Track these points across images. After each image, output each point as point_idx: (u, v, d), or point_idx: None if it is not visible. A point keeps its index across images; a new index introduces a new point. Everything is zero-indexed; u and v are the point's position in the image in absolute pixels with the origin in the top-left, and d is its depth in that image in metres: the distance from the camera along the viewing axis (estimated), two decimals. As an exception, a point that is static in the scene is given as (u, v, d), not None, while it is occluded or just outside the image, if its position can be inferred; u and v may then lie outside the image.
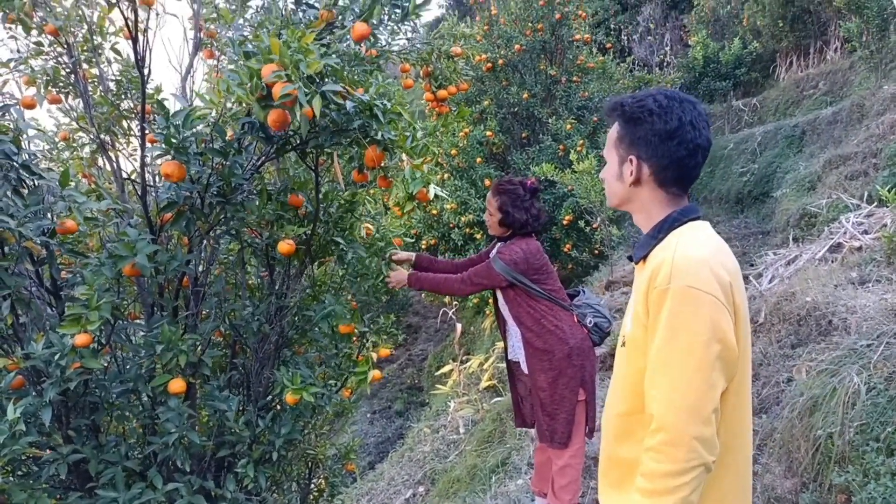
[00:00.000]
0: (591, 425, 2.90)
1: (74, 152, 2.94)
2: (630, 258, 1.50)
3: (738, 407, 1.34)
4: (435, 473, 4.93)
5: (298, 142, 2.28)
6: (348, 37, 2.26)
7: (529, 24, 8.60)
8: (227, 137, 2.14)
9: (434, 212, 8.49)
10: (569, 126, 8.23)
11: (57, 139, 2.90)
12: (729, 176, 9.28)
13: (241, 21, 2.73)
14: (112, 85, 2.83)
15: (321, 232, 2.65)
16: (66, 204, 2.11)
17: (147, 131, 2.47)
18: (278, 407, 2.67)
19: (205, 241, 2.50)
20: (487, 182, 8.27)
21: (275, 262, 2.74)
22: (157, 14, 2.61)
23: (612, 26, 14.79)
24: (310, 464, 3.24)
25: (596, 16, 13.34)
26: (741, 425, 1.36)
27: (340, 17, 2.34)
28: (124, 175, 2.79)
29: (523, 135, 8.95)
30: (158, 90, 2.81)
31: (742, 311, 1.31)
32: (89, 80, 2.76)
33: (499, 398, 5.57)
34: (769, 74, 12.22)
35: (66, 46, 2.59)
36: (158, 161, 2.10)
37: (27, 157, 2.06)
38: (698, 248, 1.30)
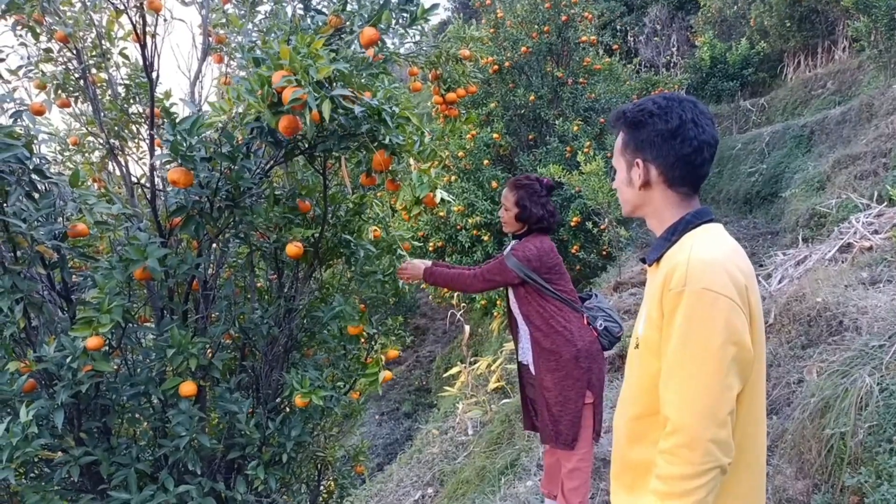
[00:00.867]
0: (598, 428, 2.89)
1: (85, 156, 2.96)
2: (643, 260, 1.50)
3: (753, 409, 1.33)
4: (444, 475, 4.93)
5: (307, 146, 2.29)
6: (357, 41, 2.27)
7: (535, 27, 8.60)
8: (235, 142, 2.15)
9: (441, 214, 8.49)
10: (575, 128, 8.22)
11: (68, 142, 2.93)
12: (737, 176, 9.24)
13: (249, 26, 2.75)
14: (121, 89, 2.85)
15: (329, 235, 2.66)
16: (76, 206, 2.13)
17: (156, 136, 2.49)
18: (288, 409, 2.68)
19: (214, 245, 2.52)
20: (494, 184, 8.28)
21: (283, 264, 2.75)
22: (165, 20, 2.63)
23: (618, 28, 14.77)
24: (319, 465, 3.25)
25: (602, 17, 13.32)
26: (755, 427, 1.35)
27: (349, 23, 2.35)
28: (134, 179, 2.81)
29: (530, 136, 8.95)
30: (168, 95, 2.84)
31: (757, 312, 1.31)
32: (98, 85, 2.78)
33: (507, 400, 5.56)
34: (777, 74, 12.16)
35: (75, 52, 2.62)
36: (167, 167, 2.12)
37: (39, 161, 2.08)
38: (714, 250, 1.30)
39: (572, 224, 7.88)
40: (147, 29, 2.38)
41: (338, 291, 3.00)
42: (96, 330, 1.96)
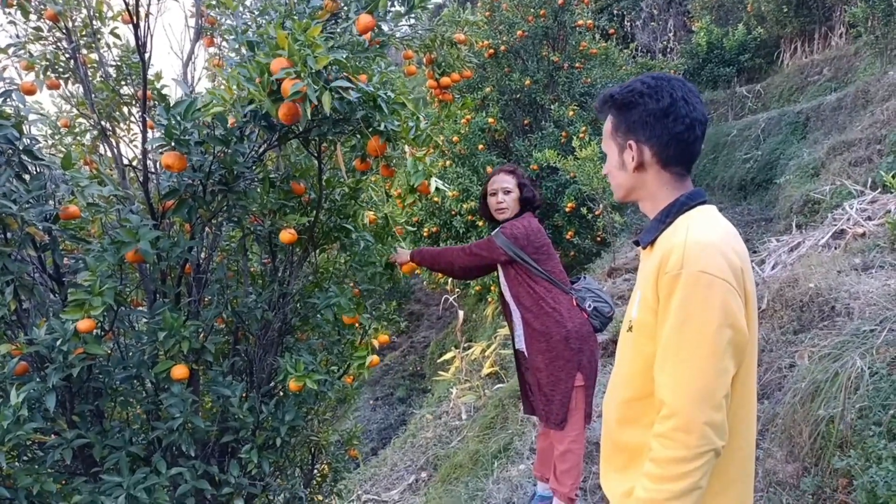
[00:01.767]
0: (590, 411, 2.91)
1: (76, 138, 2.93)
2: (636, 243, 1.50)
3: (745, 392, 1.34)
4: (437, 459, 4.96)
5: (301, 130, 2.27)
6: (352, 26, 2.25)
7: (531, 10, 8.53)
8: (228, 125, 2.13)
9: (436, 199, 8.46)
10: (571, 113, 8.18)
11: (59, 125, 2.90)
12: (732, 163, 9.24)
13: (241, 9, 2.71)
14: (112, 70, 2.81)
15: (324, 219, 2.64)
16: (68, 188, 2.11)
17: (147, 118, 2.46)
18: (281, 393, 2.68)
19: (206, 229, 2.50)
20: (489, 169, 8.24)
21: (277, 249, 2.74)
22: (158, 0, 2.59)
23: (614, 12, 14.66)
24: (313, 449, 3.26)
25: (599, 1, 13.23)
26: (747, 410, 1.36)
27: (345, 8, 2.32)
28: (125, 162, 2.78)
29: (525, 121, 8.91)
30: (159, 76, 2.80)
31: (751, 295, 1.31)
32: (89, 66, 2.75)
33: (501, 385, 5.59)
34: (773, 60, 12.12)
35: (65, 31, 2.58)
36: (160, 150, 2.10)
37: (29, 142, 2.06)
38: (710, 232, 1.30)
39: (567, 210, 7.87)
40: (139, 9, 2.35)
41: (333, 277, 2.99)
42: (87, 312, 1.95)
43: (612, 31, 11.11)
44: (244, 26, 2.28)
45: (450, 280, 8.66)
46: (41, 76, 2.66)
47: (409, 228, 8.22)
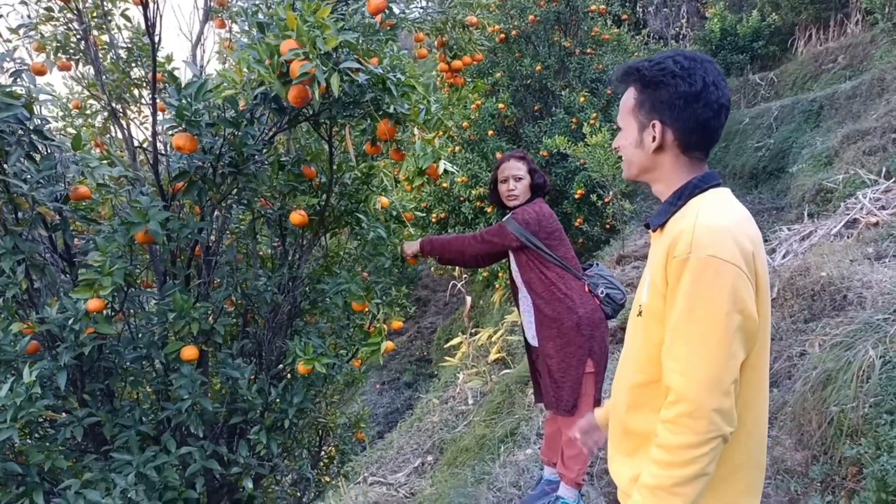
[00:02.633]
0: (599, 397, 2.91)
1: (87, 120, 2.93)
2: (647, 225, 1.47)
3: (755, 379, 1.32)
4: (443, 443, 4.99)
5: (311, 113, 2.26)
6: (363, 8, 2.23)
7: (544, -6, 8.45)
8: (239, 108, 2.12)
9: (444, 185, 8.44)
10: (582, 99, 8.12)
11: (70, 107, 2.90)
12: (744, 151, 9.15)
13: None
14: (122, 52, 2.81)
15: (335, 203, 2.64)
16: (78, 169, 2.11)
17: (158, 99, 2.46)
18: (290, 376, 2.69)
19: (216, 211, 2.50)
20: (499, 155, 8.21)
21: (287, 232, 2.74)
22: (168, -21, 2.57)
23: (627, -3, 14.50)
24: (320, 432, 3.28)
25: (611, -14, 13.06)
26: (757, 397, 1.34)
27: (356, -13, 2.30)
28: (136, 144, 2.78)
29: (536, 107, 8.85)
30: (169, 59, 2.79)
31: (763, 281, 1.28)
32: (100, 47, 2.74)
33: (507, 370, 5.60)
34: (787, 48, 11.95)
35: (76, 12, 2.57)
36: (170, 132, 2.10)
37: (39, 122, 2.06)
38: (721, 216, 1.27)
39: (576, 196, 7.83)
40: (148, -11, 2.33)
41: (343, 262, 2.99)
42: (97, 292, 1.96)
43: (624, 16, 10.97)
44: (254, 7, 2.26)
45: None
46: (52, 57, 2.65)
47: (419, 214, 8.22)
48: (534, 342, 2.93)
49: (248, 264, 2.82)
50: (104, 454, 2.27)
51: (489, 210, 8.25)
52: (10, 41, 2.53)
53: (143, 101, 2.94)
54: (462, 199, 8.33)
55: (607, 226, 8.10)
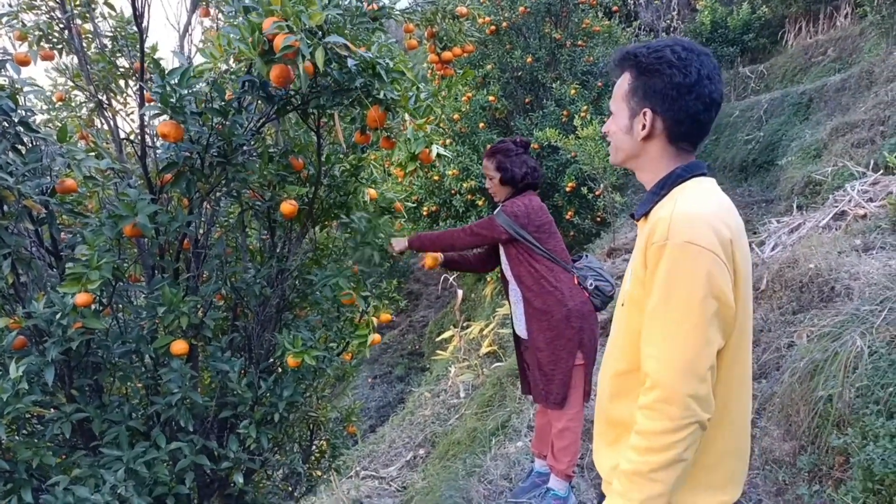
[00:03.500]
0: (588, 389, 2.92)
1: (72, 112, 2.89)
2: (632, 215, 1.48)
3: (736, 368, 1.32)
4: (435, 436, 4.99)
5: (299, 101, 2.24)
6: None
7: (534, -14, 8.42)
8: (226, 97, 2.10)
9: (436, 178, 8.42)
10: (573, 91, 8.11)
11: (53, 99, 2.86)
12: (733, 144, 9.18)
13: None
14: (107, 41, 2.77)
15: (323, 195, 2.62)
16: (65, 161, 2.08)
17: (146, 90, 2.43)
18: (280, 369, 2.68)
19: (205, 203, 2.48)
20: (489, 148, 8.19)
21: (276, 225, 2.72)
22: (154, -31, 2.54)
23: (618, -11, 14.47)
24: (311, 426, 3.27)
25: (602, -22, 13.03)
26: (739, 387, 1.34)
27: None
28: (122, 135, 2.75)
29: (526, 100, 8.83)
30: (155, 48, 2.76)
31: (742, 269, 1.28)
32: (84, 36, 2.70)
33: (499, 363, 5.61)
34: (777, 40, 11.99)
35: (58, 0, 2.53)
36: (156, 121, 2.07)
37: (25, 113, 2.03)
38: (699, 204, 1.28)
39: (567, 190, 7.84)
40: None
41: (332, 255, 2.98)
42: (85, 286, 1.93)
43: (615, 8, 10.96)
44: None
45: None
46: (34, 46, 2.61)
47: (409, 204, 8.20)
48: (523, 334, 2.93)
49: (237, 258, 2.80)
50: (93, 450, 2.25)
51: (480, 203, 8.24)
52: (-8, 31, 2.49)
53: (129, 91, 2.90)
54: (453, 192, 8.31)
55: (598, 218, 8.12)
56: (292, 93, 2.18)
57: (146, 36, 2.38)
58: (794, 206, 5.88)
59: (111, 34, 2.77)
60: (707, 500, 1.34)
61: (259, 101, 2.24)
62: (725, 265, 1.23)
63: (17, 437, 2.26)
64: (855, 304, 3.09)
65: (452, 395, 5.64)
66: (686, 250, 1.21)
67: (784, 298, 3.74)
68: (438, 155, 2.24)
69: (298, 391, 2.56)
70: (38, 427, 2.27)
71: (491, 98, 8.43)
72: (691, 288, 1.21)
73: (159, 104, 1.95)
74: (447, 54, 3.11)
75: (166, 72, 1.96)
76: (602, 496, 1.50)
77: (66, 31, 2.59)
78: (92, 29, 2.70)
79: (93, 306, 2.04)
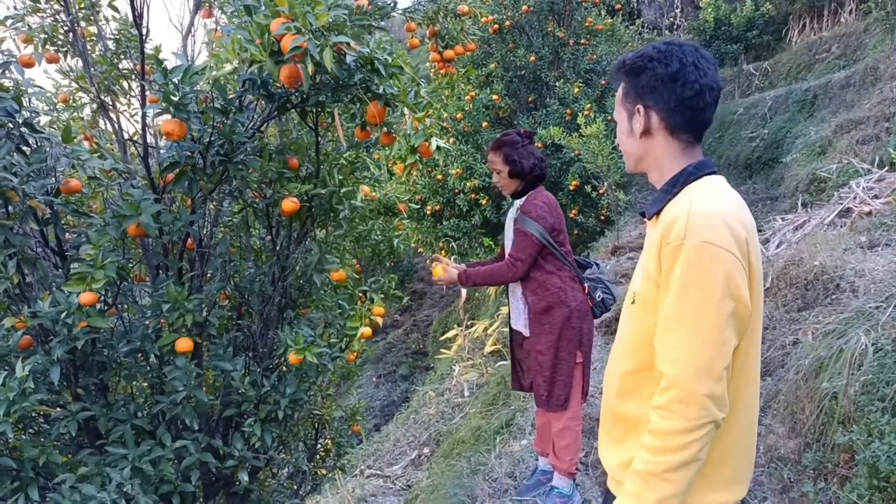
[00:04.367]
0: (587, 387, 2.91)
1: (74, 113, 2.91)
2: (642, 214, 1.48)
3: (746, 365, 1.32)
4: (440, 435, 4.99)
5: (299, 99, 2.24)
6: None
7: (537, -15, 8.41)
8: (227, 95, 2.11)
9: (439, 177, 8.43)
10: (576, 90, 8.10)
11: (56, 101, 2.87)
12: (738, 141, 9.16)
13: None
14: (111, 44, 2.78)
15: (324, 192, 2.63)
16: (69, 162, 2.10)
17: (147, 91, 2.44)
18: (283, 367, 2.69)
19: (208, 203, 2.49)
20: (493, 147, 8.18)
21: (278, 224, 2.73)
22: (156, -30, 2.55)
23: (621, -12, 14.45)
24: (316, 425, 3.28)
25: (605, -23, 13.02)
26: (748, 384, 1.34)
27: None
28: (126, 136, 2.76)
29: (530, 98, 8.83)
30: (158, 50, 2.77)
31: (756, 267, 1.28)
32: (88, 39, 2.72)
33: (503, 362, 5.60)
34: (781, 37, 11.95)
35: (63, 3, 2.55)
36: (159, 120, 2.08)
37: (29, 115, 2.04)
38: (715, 202, 1.27)
39: (571, 188, 7.83)
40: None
41: (325, 244, 2.98)
42: (90, 286, 1.95)
43: (618, 6, 10.94)
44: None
45: (452, 259, 8.66)
46: (39, 49, 2.63)
47: (412, 206, 8.21)
48: (524, 331, 2.91)
49: (241, 257, 2.81)
50: (99, 448, 2.26)
51: (484, 202, 8.24)
52: (-3, 33, 2.51)
53: (132, 93, 2.91)
54: (457, 191, 8.31)
55: (602, 217, 8.11)
56: (293, 91, 2.18)
57: (148, 38, 2.39)
58: (799, 204, 5.86)
59: (115, 36, 2.78)
60: (714, 498, 1.34)
61: (260, 100, 2.24)
62: (742, 264, 1.23)
63: (23, 436, 2.27)
64: (860, 301, 3.08)
65: (457, 394, 5.64)
66: (703, 251, 1.21)
67: (789, 296, 3.73)
68: (438, 147, 2.24)
69: (302, 389, 2.57)
70: (45, 426, 2.28)
71: (494, 97, 8.43)
72: (709, 288, 1.20)
73: (162, 102, 1.96)
74: (449, 53, 3.11)
75: (168, 70, 1.97)
76: (607, 492, 1.50)
77: (71, 34, 2.60)
78: (95, 31, 2.71)
79: (98, 305, 2.05)
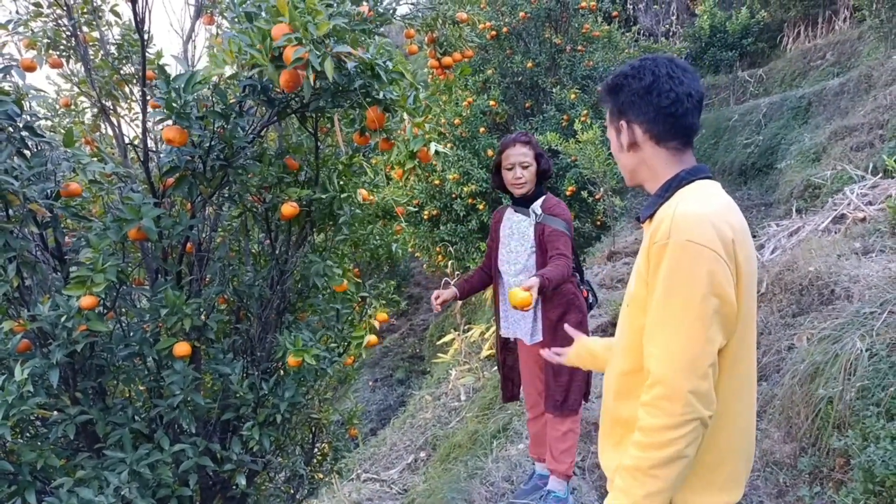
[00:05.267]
0: (588, 389, 2.93)
1: (76, 117, 2.92)
2: (638, 218, 1.51)
3: (739, 367, 1.34)
4: (436, 439, 4.99)
5: (299, 105, 2.26)
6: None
7: (534, -9, 8.46)
8: (227, 100, 2.12)
9: (436, 182, 8.45)
10: (573, 96, 8.14)
11: (58, 106, 2.88)
12: (733, 147, 9.20)
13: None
14: (113, 49, 2.80)
15: (323, 196, 2.64)
16: (70, 165, 2.10)
17: (148, 96, 2.45)
18: (281, 371, 2.69)
19: (208, 207, 2.50)
20: (490, 152, 8.21)
21: (276, 227, 2.74)
22: (158, -25, 2.57)
23: (617, -6, 14.51)
24: (313, 429, 3.29)
25: (601, -17, 13.08)
26: (742, 386, 1.35)
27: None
28: (126, 140, 2.77)
29: (527, 104, 8.86)
30: (159, 55, 2.78)
31: (745, 268, 1.30)
32: (90, 44, 2.73)
33: (500, 367, 5.60)
34: (776, 45, 12.03)
35: (65, 8, 2.56)
36: (160, 126, 2.09)
37: (30, 118, 2.05)
38: (702, 204, 1.30)
39: (567, 193, 7.86)
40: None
41: (326, 250, 2.98)
42: (90, 289, 1.95)
43: (614, 13, 11.00)
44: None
45: (449, 263, 8.67)
46: (42, 54, 2.64)
47: (410, 209, 8.23)
48: (527, 338, 2.87)
49: (239, 261, 2.82)
50: (97, 452, 2.26)
51: (481, 207, 8.26)
52: (-2, 37, 2.51)
53: (133, 97, 2.92)
54: (454, 196, 8.33)
55: (598, 222, 8.13)
56: (293, 97, 2.20)
57: (149, 43, 2.40)
58: (794, 210, 5.89)
59: (117, 41, 2.79)
60: (708, 500, 1.35)
61: (260, 105, 2.26)
62: (727, 263, 1.25)
63: (21, 440, 2.27)
64: (855, 307, 3.10)
65: (453, 398, 5.65)
66: (687, 248, 1.23)
67: (784, 301, 3.75)
68: (436, 152, 2.25)
69: (300, 392, 2.58)
70: (43, 429, 2.28)
71: (492, 103, 8.46)
72: (692, 286, 1.23)
73: (164, 110, 1.97)
74: (447, 59, 3.13)
75: (171, 78, 1.98)
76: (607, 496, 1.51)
77: (73, 39, 2.61)
78: (98, 36, 2.72)
79: (97, 309, 2.06)
